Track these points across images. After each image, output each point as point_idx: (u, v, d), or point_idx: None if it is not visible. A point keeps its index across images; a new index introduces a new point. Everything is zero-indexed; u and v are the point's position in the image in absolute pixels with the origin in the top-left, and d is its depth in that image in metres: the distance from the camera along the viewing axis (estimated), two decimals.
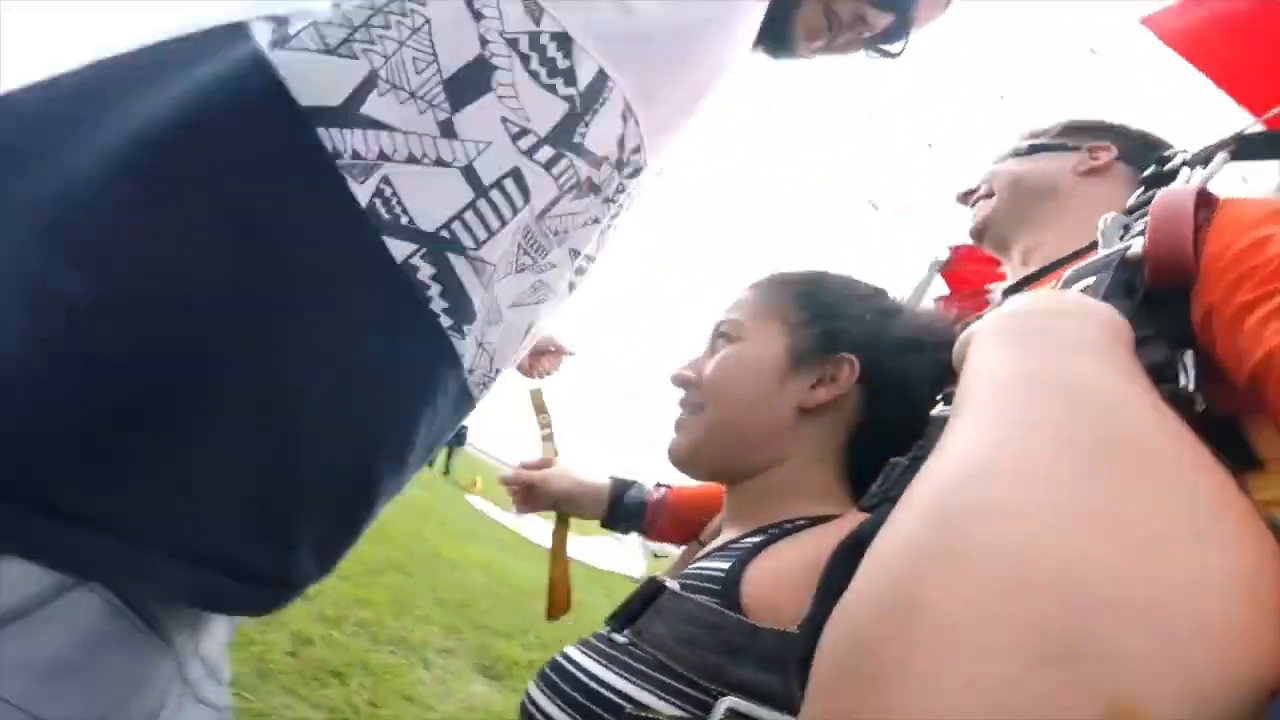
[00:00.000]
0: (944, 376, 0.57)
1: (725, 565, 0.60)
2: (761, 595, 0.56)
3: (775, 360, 0.69)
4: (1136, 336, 0.34)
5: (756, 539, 0.62)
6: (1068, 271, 0.53)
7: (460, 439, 14.58)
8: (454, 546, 7.09)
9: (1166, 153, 0.70)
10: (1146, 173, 0.69)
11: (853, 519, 0.60)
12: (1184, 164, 0.66)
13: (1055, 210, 0.89)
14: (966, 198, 0.99)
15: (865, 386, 0.69)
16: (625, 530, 1.08)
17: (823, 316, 0.71)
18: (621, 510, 1.05)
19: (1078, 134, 0.95)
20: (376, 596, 3.94)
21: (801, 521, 0.63)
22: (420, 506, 8.97)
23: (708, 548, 0.72)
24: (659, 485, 1.07)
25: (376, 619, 3.60)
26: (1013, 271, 0.91)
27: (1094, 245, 0.62)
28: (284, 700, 2.38)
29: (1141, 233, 0.51)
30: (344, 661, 2.89)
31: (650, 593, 0.62)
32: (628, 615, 0.62)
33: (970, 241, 1.00)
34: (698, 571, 0.63)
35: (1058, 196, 0.90)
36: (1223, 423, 0.47)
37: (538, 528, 10.10)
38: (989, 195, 0.95)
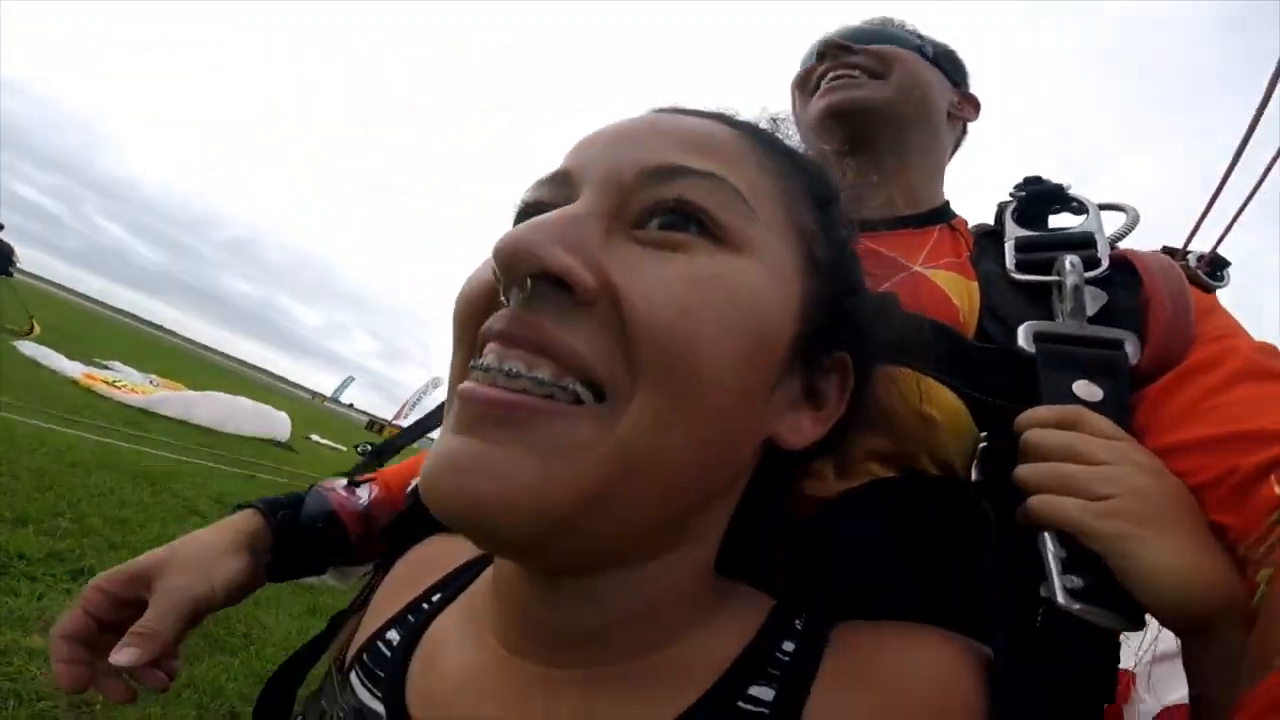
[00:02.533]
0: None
1: None
2: None
3: (787, 328, 0.38)
4: None
5: None
6: (1045, 349, 0.53)
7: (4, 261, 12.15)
8: None
9: (1063, 187, 0.68)
10: (1030, 192, 0.68)
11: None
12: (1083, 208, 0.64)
13: (923, 143, 0.78)
14: (840, 52, 0.77)
15: None
16: (318, 572, 0.65)
17: (842, 267, 0.42)
18: (302, 546, 0.65)
19: (960, 71, 0.85)
20: None
21: (768, 686, 0.38)
22: None
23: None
24: (350, 483, 0.70)
25: None
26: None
27: (937, 215, 0.74)
28: None
29: (1126, 315, 0.54)
30: None
31: None
32: None
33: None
34: None
35: (930, 130, 0.79)
36: None
37: (125, 376, 10.28)
38: (877, 74, 0.77)
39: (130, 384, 9.79)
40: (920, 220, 0.75)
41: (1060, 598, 0.43)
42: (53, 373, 8.99)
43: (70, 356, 10.90)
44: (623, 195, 0.37)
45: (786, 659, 0.40)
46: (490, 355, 0.34)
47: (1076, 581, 0.43)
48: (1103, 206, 0.67)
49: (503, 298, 0.35)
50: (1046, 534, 0.45)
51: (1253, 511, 0.42)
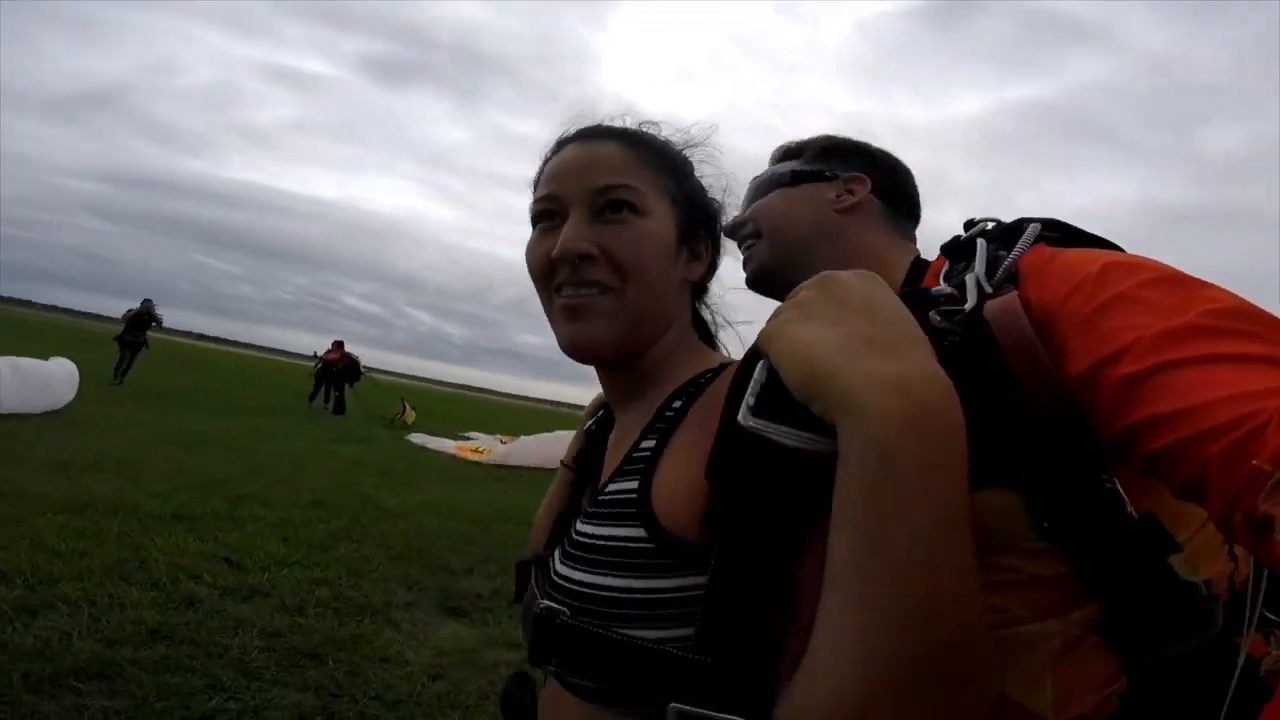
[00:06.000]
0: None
1: (633, 484, 0.64)
2: (671, 511, 0.60)
3: (672, 238, 0.74)
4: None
5: (651, 441, 0.68)
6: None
7: (354, 373, 17.58)
8: (397, 495, 6.86)
9: (974, 222, 0.74)
10: (948, 243, 0.75)
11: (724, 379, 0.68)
12: (982, 235, 0.69)
13: (823, 252, 0.91)
14: (734, 232, 0.97)
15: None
16: None
17: (693, 198, 0.78)
18: None
19: (835, 159, 0.96)
20: (330, 574, 4.02)
21: (681, 399, 0.70)
22: (355, 463, 8.59)
23: (612, 450, 0.76)
24: None
25: (335, 595, 3.69)
26: None
27: None
28: (273, 693, 2.55)
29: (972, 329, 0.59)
30: (316, 643, 3.00)
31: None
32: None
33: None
34: (612, 499, 0.66)
35: (825, 238, 0.92)
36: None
37: (481, 442, 13.09)
38: (756, 235, 0.95)
39: (487, 447, 11.82)
40: None
41: (739, 414, 0.51)
42: (437, 453, 11.29)
43: (440, 435, 13.45)
44: (588, 203, 0.70)
45: (704, 380, 0.71)
46: (567, 288, 0.69)
47: (752, 401, 0.50)
48: (1012, 224, 0.70)
49: (563, 263, 0.69)
50: (759, 363, 0.54)
51: (1243, 479, 0.43)
